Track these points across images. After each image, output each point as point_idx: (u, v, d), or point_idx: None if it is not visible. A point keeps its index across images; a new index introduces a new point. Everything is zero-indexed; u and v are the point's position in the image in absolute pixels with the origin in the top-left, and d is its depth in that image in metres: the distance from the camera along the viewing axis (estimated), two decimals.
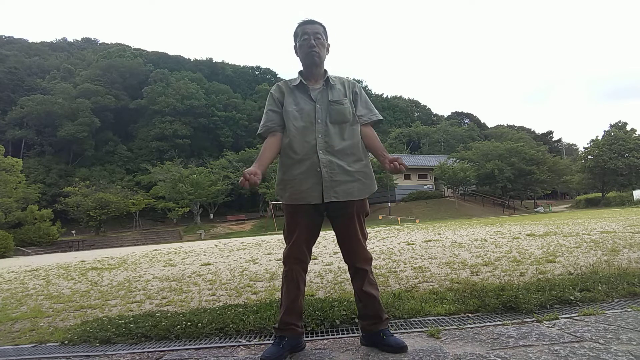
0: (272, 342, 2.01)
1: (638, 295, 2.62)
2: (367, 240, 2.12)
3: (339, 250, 2.12)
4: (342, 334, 2.27)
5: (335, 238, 2.12)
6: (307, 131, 1.99)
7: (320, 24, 2.08)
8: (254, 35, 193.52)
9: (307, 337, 2.24)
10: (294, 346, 1.99)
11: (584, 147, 41.26)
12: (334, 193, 1.95)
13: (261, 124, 2.11)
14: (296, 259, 2.01)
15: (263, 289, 4.04)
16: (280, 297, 2.10)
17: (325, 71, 2.11)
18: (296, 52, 2.11)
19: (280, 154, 2.09)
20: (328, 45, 2.12)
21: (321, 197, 1.95)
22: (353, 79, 2.25)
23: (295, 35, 2.10)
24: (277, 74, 71.39)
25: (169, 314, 2.82)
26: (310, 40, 2.02)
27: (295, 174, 1.98)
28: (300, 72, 2.12)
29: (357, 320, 2.20)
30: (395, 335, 2.01)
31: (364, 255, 2.04)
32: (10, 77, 50.10)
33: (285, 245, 2.08)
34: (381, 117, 2.19)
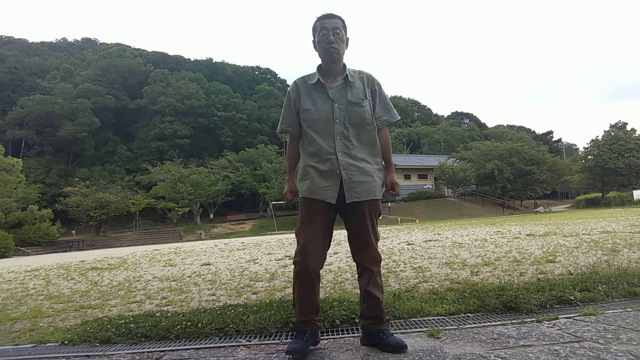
0: (295, 336, 2.00)
1: (638, 295, 2.62)
2: None
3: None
4: (342, 334, 2.26)
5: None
6: (325, 133, 1.98)
7: (340, 18, 2.05)
8: (254, 35, 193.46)
9: None
10: (314, 339, 1.99)
11: (584, 147, 41.37)
12: (355, 194, 1.96)
13: (280, 122, 2.18)
14: (312, 256, 1.98)
15: (263, 289, 4.04)
16: (293, 295, 2.08)
17: (344, 66, 2.08)
18: (315, 46, 2.08)
19: (301, 150, 2.11)
20: (347, 39, 2.08)
21: (336, 197, 1.96)
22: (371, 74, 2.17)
23: (314, 29, 2.07)
24: (277, 74, 71.40)
25: (169, 314, 2.82)
26: (329, 36, 1.99)
27: (315, 171, 1.99)
28: (318, 67, 2.10)
29: (357, 320, 2.19)
30: (394, 335, 2.01)
31: (373, 255, 2.02)
32: (10, 77, 50.07)
33: (297, 243, 2.05)
34: (399, 117, 2.23)
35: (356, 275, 2.18)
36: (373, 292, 2.00)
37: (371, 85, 2.10)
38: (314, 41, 2.08)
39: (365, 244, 2.01)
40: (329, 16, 2.03)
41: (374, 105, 2.09)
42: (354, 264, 2.13)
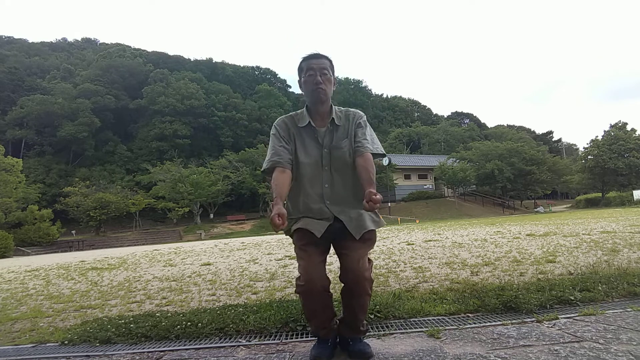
0: (317, 342, 1.94)
1: (638, 295, 2.62)
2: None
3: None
4: None
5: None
6: (314, 180, 1.93)
7: (327, 58, 1.97)
8: (254, 35, 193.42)
9: (307, 337, 2.24)
10: (336, 345, 1.96)
11: (584, 147, 41.38)
12: (354, 230, 1.85)
13: (266, 159, 1.97)
14: (317, 278, 1.82)
15: (263, 289, 4.04)
16: (304, 311, 2.01)
17: (332, 107, 1.99)
18: (301, 86, 2.01)
19: (291, 189, 1.98)
20: (335, 79, 2.01)
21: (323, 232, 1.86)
22: (359, 111, 2.07)
23: (300, 70, 1.98)
24: (277, 74, 71.53)
25: (169, 314, 2.82)
26: (316, 77, 1.91)
27: (304, 212, 1.93)
28: (306, 108, 2.01)
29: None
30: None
31: (365, 276, 1.84)
32: (10, 77, 50.05)
33: (298, 265, 1.94)
34: (384, 153, 2.05)
35: None
36: (358, 315, 1.88)
37: (356, 120, 2.00)
38: (299, 81, 2.00)
39: (357, 265, 1.84)
40: (316, 56, 1.95)
41: (355, 135, 1.96)
42: None
